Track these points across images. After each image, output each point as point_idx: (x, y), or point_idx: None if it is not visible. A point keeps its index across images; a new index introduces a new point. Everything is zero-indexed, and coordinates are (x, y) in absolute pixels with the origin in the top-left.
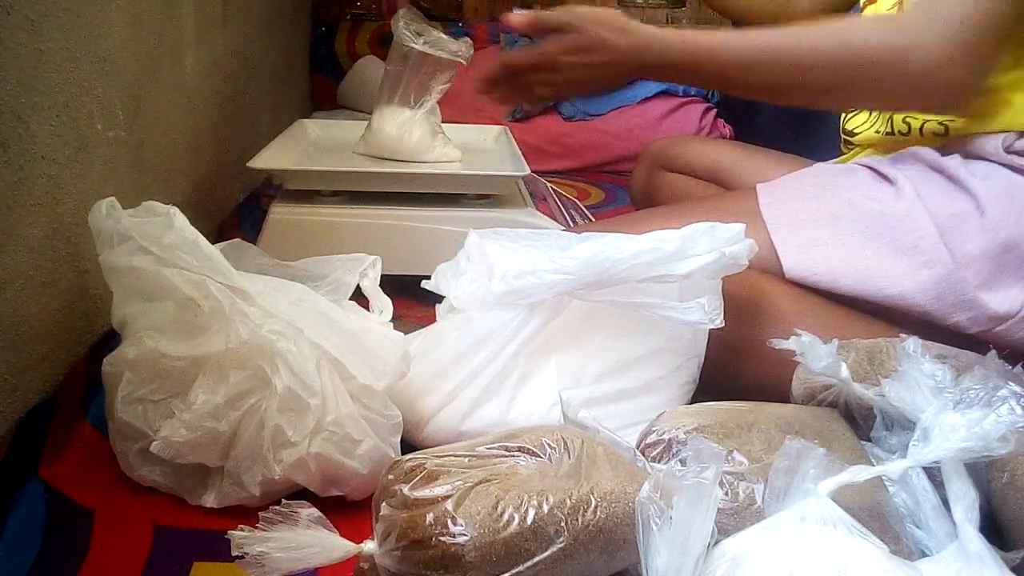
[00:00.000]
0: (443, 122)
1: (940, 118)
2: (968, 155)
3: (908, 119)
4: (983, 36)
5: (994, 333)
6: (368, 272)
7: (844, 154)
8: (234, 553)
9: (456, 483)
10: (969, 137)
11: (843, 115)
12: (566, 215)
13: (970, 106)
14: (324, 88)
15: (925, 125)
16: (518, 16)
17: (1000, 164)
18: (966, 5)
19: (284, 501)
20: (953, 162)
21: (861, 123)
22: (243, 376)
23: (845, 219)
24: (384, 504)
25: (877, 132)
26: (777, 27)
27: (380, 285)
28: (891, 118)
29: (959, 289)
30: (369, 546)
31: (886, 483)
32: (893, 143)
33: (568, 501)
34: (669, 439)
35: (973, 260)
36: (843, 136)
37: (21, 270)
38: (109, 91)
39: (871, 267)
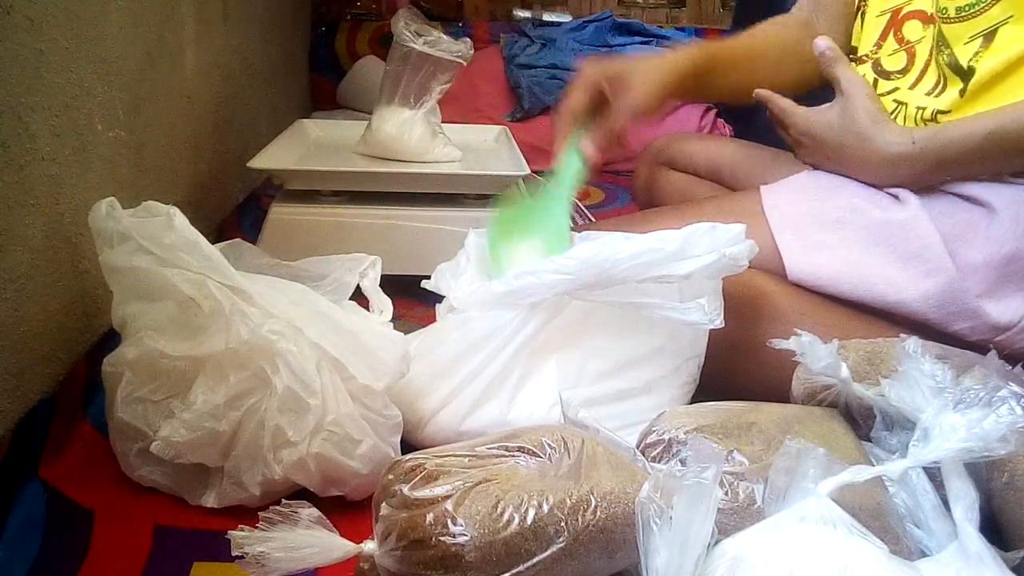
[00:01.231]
0: (443, 122)
1: None
2: None
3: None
4: None
5: (994, 342)
6: (368, 272)
7: None
8: (234, 553)
9: (456, 483)
10: None
11: None
12: None
13: None
14: (324, 88)
15: None
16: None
17: (1003, 183)
18: None
19: (284, 501)
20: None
21: None
22: (243, 376)
23: (849, 224)
24: (384, 504)
25: None
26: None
27: (380, 285)
28: None
29: (961, 298)
30: (369, 546)
31: (886, 483)
32: None
33: (568, 501)
34: (669, 439)
35: (976, 269)
36: None
37: (21, 270)
38: (109, 91)
39: (874, 273)
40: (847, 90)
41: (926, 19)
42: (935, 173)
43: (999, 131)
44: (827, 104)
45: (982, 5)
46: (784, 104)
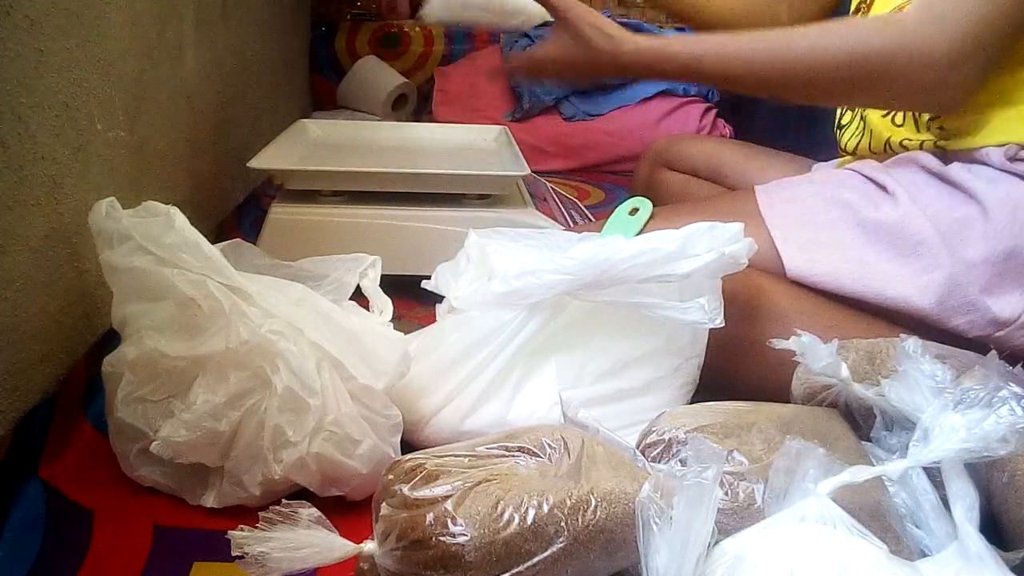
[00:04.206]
0: (443, 122)
1: (939, 139)
2: (969, 162)
3: (905, 142)
4: (988, 40)
5: (993, 338)
6: (368, 272)
7: (842, 156)
8: (234, 553)
9: (456, 483)
10: (971, 149)
11: (837, 130)
12: (566, 215)
13: (965, 106)
14: (324, 88)
15: (924, 145)
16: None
17: (1003, 171)
18: (970, 8)
19: (284, 501)
20: (954, 167)
21: (854, 142)
22: (243, 376)
23: (844, 223)
24: (384, 504)
25: (874, 152)
26: (767, 31)
27: (380, 285)
28: (888, 140)
29: (961, 292)
30: (369, 546)
31: (886, 483)
32: (888, 158)
33: (568, 501)
34: (669, 439)
35: (975, 266)
36: (839, 148)
37: (21, 270)
38: (109, 91)
39: (871, 271)
40: (563, 14)
41: None
42: (655, 75)
43: (703, 59)
44: (549, 36)
45: None
46: (521, 60)
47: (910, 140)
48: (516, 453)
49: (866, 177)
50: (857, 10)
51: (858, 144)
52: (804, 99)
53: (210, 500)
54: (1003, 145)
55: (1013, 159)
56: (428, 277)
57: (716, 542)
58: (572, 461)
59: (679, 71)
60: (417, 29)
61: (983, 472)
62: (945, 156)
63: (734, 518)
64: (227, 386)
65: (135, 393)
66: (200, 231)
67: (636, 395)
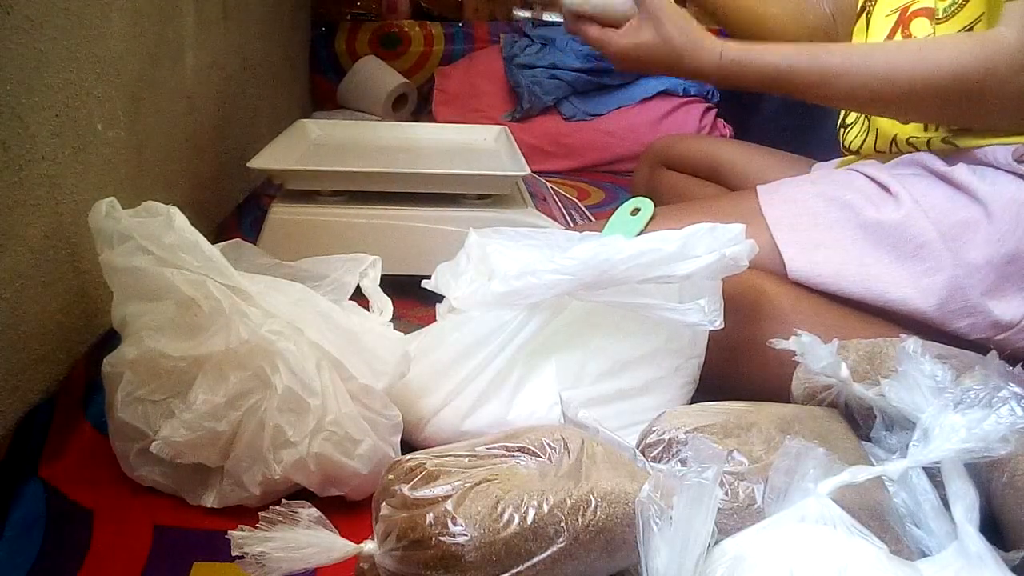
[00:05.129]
0: (443, 122)
1: (948, 135)
2: (974, 163)
3: (912, 139)
4: None
5: (994, 341)
6: (368, 272)
7: (844, 155)
8: (234, 553)
9: (456, 483)
10: (979, 146)
11: (841, 128)
12: (566, 215)
13: None
14: (324, 88)
15: (931, 140)
16: None
17: (1008, 172)
18: None
19: (284, 501)
20: (959, 169)
21: (859, 141)
22: (243, 376)
23: (846, 225)
24: (384, 504)
25: (879, 151)
26: (855, 45)
27: (380, 285)
28: (894, 138)
29: (962, 295)
30: (369, 546)
31: (886, 483)
32: (893, 157)
33: (568, 501)
34: (669, 439)
35: (977, 269)
36: (842, 147)
37: (21, 270)
38: (109, 91)
39: (873, 272)
40: (654, 11)
41: (932, 16)
42: (738, 86)
43: (793, 69)
44: (634, 25)
45: (959, 3)
46: (594, 34)
47: (917, 138)
48: (516, 453)
49: (869, 177)
50: (863, 9)
51: (863, 143)
52: (890, 114)
53: (210, 500)
54: (1012, 144)
55: (1020, 159)
56: (428, 277)
57: (716, 542)
58: (572, 461)
59: (762, 83)
60: (417, 29)
61: (983, 472)
62: (952, 154)
63: (734, 518)
64: (227, 386)
65: (135, 393)
66: (200, 231)
67: (636, 395)
